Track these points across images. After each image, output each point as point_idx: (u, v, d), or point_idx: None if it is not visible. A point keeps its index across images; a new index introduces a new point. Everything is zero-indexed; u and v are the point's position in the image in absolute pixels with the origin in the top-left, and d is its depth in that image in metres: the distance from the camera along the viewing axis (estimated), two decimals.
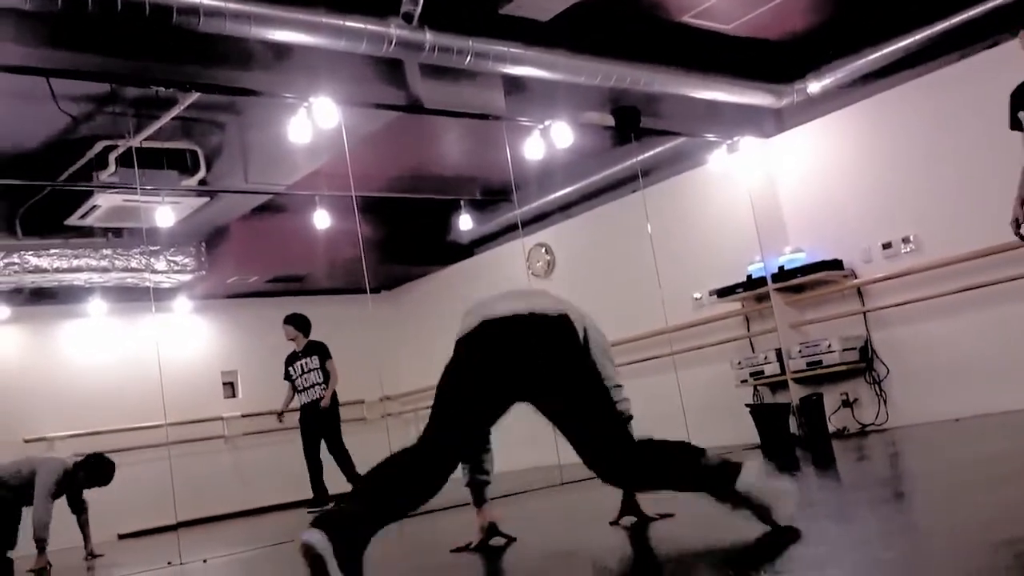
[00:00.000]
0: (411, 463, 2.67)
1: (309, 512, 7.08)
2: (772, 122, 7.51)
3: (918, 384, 6.57)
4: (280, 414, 7.49)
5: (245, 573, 4.09)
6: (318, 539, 2.35)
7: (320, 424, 7.26)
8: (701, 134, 7.44)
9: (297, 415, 7.42)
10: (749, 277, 7.35)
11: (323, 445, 7.26)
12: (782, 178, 7.53)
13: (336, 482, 7.15)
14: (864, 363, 6.81)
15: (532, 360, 2.76)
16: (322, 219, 7.51)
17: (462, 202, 8.38)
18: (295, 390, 7.42)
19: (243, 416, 7.82)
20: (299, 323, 7.48)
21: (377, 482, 2.63)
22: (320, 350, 7.44)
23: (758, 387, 7.35)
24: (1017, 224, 4.44)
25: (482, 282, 8.60)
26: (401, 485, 2.63)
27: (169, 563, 4.57)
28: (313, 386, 7.37)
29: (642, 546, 2.94)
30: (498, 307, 2.87)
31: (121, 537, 7.82)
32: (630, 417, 3.10)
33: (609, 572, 2.64)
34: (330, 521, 2.43)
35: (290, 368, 7.47)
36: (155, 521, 7.17)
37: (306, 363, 7.40)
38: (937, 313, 6.47)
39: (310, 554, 2.34)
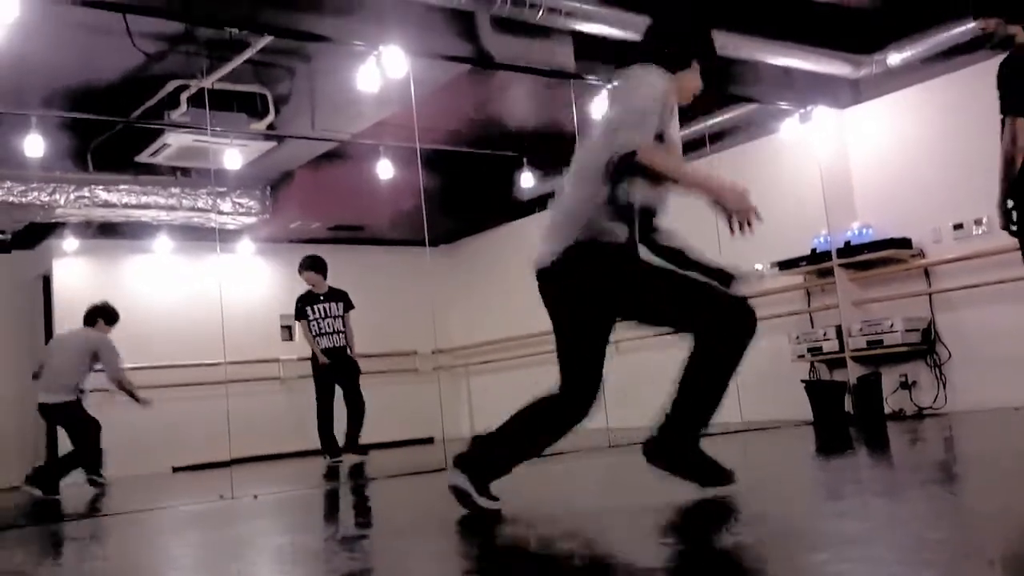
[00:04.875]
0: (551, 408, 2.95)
1: (333, 462, 6.94)
2: (848, 92, 7.31)
3: (980, 370, 6.41)
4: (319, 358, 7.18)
5: (293, 510, 4.18)
6: (461, 480, 2.89)
7: (344, 372, 7.12)
8: (774, 101, 7.27)
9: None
10: (814, 251, 7.21)
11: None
12: (854, 151, 7.35)
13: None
14: (926, 345, 6.67)
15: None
16: (385, 169, 7.54)
17: (525, 159, 8.34)
18: (313, 333, 7.17)
19: (299, 359, 7.93)
20: (320, 267, 7.32)
21: (518, 425, 2.95)
22: (345, 298, 7.29)
23: (815, 363, 7.25)
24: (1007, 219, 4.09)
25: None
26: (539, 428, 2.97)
27: (221, 496, 4.68)
28: (337, 332, 7.18)
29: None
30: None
31: (176, 470, 8.04)
32: None
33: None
34: (469, 463, 2.92)
35: (308, 309, 7.21)
36: (209, 456, 7.35)
37: (329, 307, 7.22)
38: (1005, 299, 6.29)
39: (458, 492, 2.89)
